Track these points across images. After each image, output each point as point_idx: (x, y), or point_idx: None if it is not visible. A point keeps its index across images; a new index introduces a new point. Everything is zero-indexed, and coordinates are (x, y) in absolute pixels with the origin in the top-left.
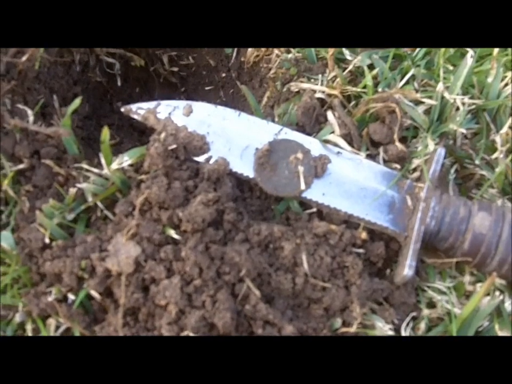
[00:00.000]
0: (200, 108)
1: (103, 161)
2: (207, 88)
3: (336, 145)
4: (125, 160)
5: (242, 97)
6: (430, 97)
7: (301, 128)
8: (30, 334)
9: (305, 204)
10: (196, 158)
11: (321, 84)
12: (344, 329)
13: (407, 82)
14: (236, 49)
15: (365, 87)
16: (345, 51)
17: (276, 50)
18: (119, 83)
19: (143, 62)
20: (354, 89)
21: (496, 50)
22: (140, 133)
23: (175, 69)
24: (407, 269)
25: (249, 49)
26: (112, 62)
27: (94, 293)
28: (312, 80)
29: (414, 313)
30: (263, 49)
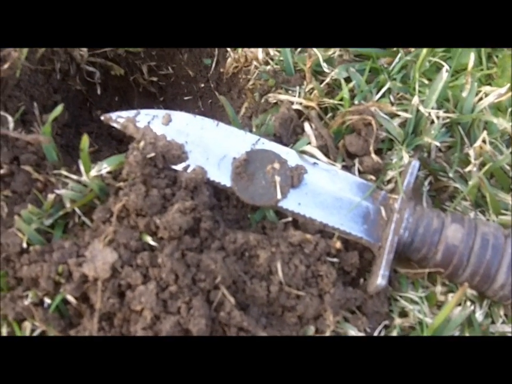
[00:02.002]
0: (179, 117)
1: (82, 168)
2: (185, 98)
3: (312, 156)
4: (104, 167)
5: (220, 107)
6: (406, 111)
7: (278, 138)
8: None
9: (281, 213)
10: (174, 167)
11: (299, 96)
12: None
13: (383, 96)
14: (215, 60)
15: (341, 99)
16: (323, 64)
17: (255, 62)
18: (98, 92)
19: (123, 71)
20: (331, 101)
21: (471, 65)
22: (118, 142)
23: (154, 79)
24: (380, 278)
25: (228, 60)
26: (93, 70)
27: (70, 298)
28: (290, 91)
29: (386, 322)
30: (242, 60)
